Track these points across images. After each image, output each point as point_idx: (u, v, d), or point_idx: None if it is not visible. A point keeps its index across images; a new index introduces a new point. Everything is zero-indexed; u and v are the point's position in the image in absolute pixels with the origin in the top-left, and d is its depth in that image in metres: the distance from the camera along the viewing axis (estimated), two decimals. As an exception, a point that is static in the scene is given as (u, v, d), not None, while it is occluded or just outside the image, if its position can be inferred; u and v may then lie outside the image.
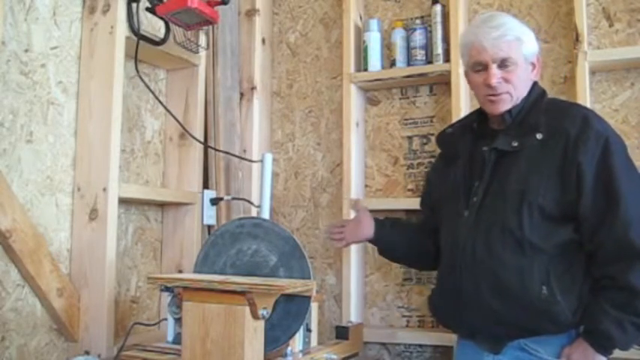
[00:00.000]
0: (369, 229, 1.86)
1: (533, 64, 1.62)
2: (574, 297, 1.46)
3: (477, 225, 1.54)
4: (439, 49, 2.24)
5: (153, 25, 2.07)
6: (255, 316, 1.42)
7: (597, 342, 1.43)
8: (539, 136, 1.53)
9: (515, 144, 1.54)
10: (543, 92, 1.65)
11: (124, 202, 1.96)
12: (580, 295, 1.46)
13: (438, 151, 1.91)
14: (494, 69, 1.56)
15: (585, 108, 1.65)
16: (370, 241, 1.91)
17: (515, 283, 1.47)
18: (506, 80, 1.56)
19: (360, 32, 2.41)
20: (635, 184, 1.47)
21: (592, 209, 1.45)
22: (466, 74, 1.67)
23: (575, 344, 1.46)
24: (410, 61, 2.31)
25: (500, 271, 1.48)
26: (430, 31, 2.30)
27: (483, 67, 1.58)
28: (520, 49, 1.56)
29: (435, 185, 1.82)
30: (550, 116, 1.55)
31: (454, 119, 2.06)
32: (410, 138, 2.38)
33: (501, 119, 1.60)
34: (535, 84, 1.64)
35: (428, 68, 2.26)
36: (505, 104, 1.59)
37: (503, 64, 1.56)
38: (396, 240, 1.87)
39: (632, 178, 1.48)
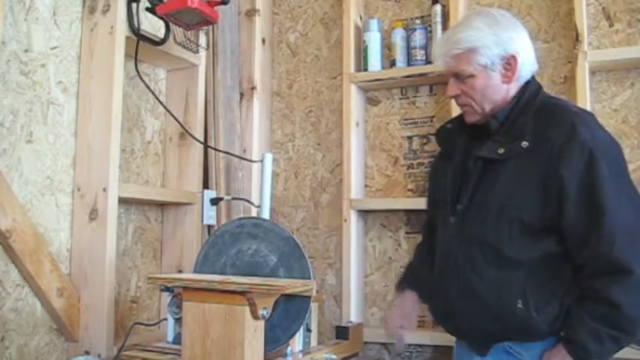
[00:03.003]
0: (416, 307, 1.74)
1: (508, 65, 1.50)
2: (552, 309, 1.44)
3: (460, 235, 1.52)
4: (439, 49, 2.24)
5: (153, 25, 2.07)
6: (255, 316, 1.42)
7: (574, 351, 1.42)
8: (524, 144, 1.45)
9: (501, 151, 1.48)
10: (537, 92, 1.55)
11: (123, 202, 1.96)
12: (560, 305, 1.44)
13: (439, 150, 1.85)
14: (451, 81, 1.55)
15: (576, 113, 1.50)
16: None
17: (492, 297, 1.45)
18: (465, 93, 1.53)
19: (360, 32, 2.41)
20: (621, 197, 1.40)
21: (575, 225, 1.40)
22: None
23: (555, 350, 1.45)
24: (410, 61, 2.31)
25: (478, 285, 1.47)
26: (430, 31, 2.30)
27: (449, 77, 1.58)
28: (474, 59, 1.48)
29: (434, 185, 1.77)
30: (538, 122, 1.48)
31: (454, 119, 2.06)
32: (410, 138, 2.38)
33: (488, 123, 1.55)
34: (529, 82, 1.55)
35: (428, 68, 2.26)
36: (471, 116, 1.56)
37: (458, 77, 1.53)
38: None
39: (619, 190, 1.41)
